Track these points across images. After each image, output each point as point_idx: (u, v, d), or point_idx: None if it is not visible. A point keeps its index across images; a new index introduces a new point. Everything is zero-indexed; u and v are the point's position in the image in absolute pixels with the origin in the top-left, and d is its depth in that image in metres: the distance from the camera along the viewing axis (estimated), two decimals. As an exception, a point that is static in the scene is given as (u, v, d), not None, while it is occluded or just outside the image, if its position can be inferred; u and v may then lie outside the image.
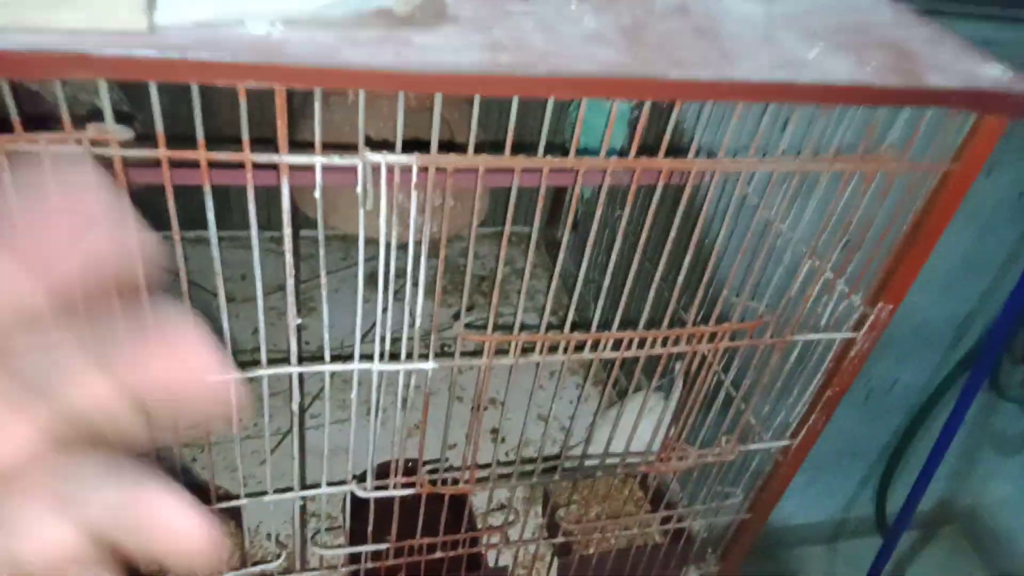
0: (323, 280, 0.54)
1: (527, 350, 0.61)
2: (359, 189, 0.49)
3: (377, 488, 0.66)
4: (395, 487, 0.66)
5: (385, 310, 0.56)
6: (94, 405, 0.18)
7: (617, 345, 0.63)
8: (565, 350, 0.61)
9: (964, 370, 1.71)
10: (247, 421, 0.93)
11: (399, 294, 0.58)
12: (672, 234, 0.59)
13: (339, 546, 0.82)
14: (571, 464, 0.80)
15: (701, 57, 0.50)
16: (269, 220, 0.70)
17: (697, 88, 0.48)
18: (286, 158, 0.47)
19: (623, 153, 0.65)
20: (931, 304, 1.58)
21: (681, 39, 0.52)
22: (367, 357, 0.58)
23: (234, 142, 0.46)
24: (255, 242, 0.50)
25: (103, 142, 0.46)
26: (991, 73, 0.55)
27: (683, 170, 0.53)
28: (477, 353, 0.61)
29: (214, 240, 0.49)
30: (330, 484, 0.66)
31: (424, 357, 0.59)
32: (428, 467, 0.68)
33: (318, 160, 0.48)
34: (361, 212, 0.50)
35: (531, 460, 0.77)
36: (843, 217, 0.64)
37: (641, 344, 0.63)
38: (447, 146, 0.49)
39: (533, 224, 0.56)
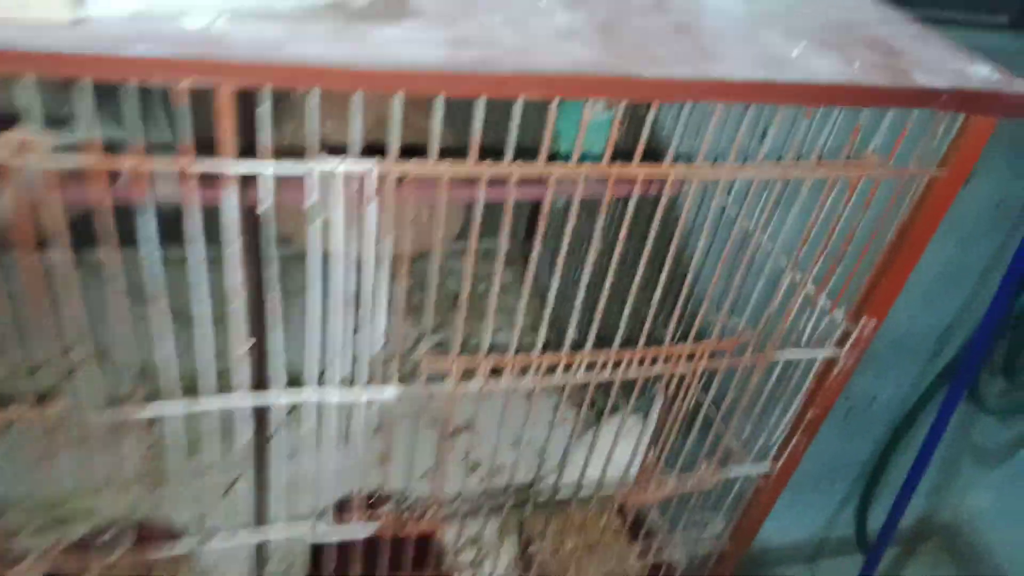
0: (272, 301, 0.49)
1: (496, 373, 0.57)
2: (310, 200, 0.45)
3: (337, 526, 0.61)
4: (356, 524, 0.61)
5: (356, 331, 0.52)
6: None
7: (591, 366, 0.59)
8: (536, 372, 0.57)
9: (944, 383, 1.69)
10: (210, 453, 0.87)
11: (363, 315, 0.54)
12: (648, 245, 0.55)
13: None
14: (545, 494, 0.75)
15: (679, 55, 0.47)
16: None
17: (675, 87, 0.45)
18: (232, 166, 0.42)
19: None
20: (910, 317, 1.56)
21: (658, 36, 0.49)
22: (323, 384, 0.54)
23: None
24: (198, 257, 0.46)
25: (25, 149, 0.41)
26: (980, 73, 0.53)
27: (659, 177, 0.50)
28: (443, 377, 0.56)
29: (154, 257, 0.45)
30: (288, 522, 0.61)
31: (385, 383, 0.55)
32: (393, 501, 0.63)
33: (266, 168, 0.43)
34: (314, 225, 0.46)
35: (503, 491, 0.72)
36: (825, 227, 0.61)
37: (616, 365, 0.60)
38: (417, 152, 0.45)
39: (508, 237, 0.52)
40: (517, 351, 0.57)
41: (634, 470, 0.74)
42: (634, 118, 0.80)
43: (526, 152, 0.48)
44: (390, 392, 0.55)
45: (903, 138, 0.54)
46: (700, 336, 0.64)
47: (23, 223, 0.41)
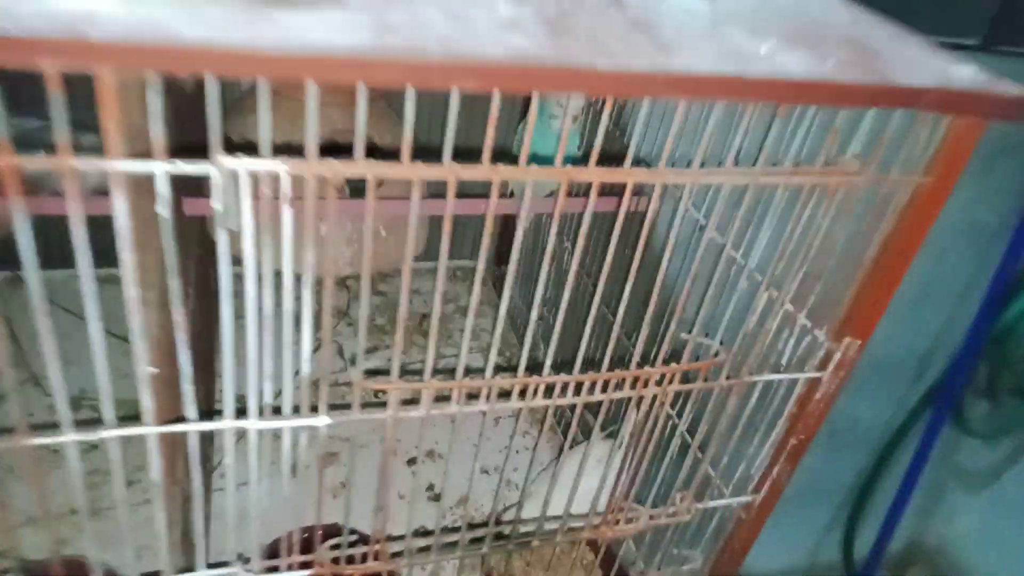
0: (177, 319, 0.44)
1: (444, 399, 0.52)
2: (215, 204, 0.39)
3: (267, 571, 0.55)
4: (289, 568, 0.55)
5: (279, 353, 0.46)
6: None
7: (550, 391, 0.53)
8: (488, 398, 0.52)
9: (927, 405, 1.66)
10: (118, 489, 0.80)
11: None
12: (610, 256, 0.50)
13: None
14: (508, 527, 0.69)
15: (635, 49, 0.42)
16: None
17: (631, 81, 0.40)
18: (116, 165, 0.37)
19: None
20: (889, 337, 1.52)
21: (613, 31, 0.44)
22: (243, 412, 0.48)
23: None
24: (85, 273, 0.40)
25: None
26: (963, 73, 0.48)
27: (617, 181, 0.45)
28: (382, 404, 0.51)
29: (86, 273, 0.39)
30: (211, 566, 0.55)
31: (315, 411, 0.49)
32: (332, 541, 0.57)
33: (159, 167, 0.38)
34: (220, 232, 0.40)
35: (463, 525, 0.66)
36: (803, 240, 0.56)
37: (578, 389, 0.54)
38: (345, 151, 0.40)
39: (479, 256, 0.47)
40: (467, 374, 0.52)
41: (603, 502, 0.69)
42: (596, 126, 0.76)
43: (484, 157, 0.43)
44: (321, 420, 0.49)
45: (884, 144, 0.50)
46: (671, 359, 0.59)
47: None
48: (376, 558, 0.58)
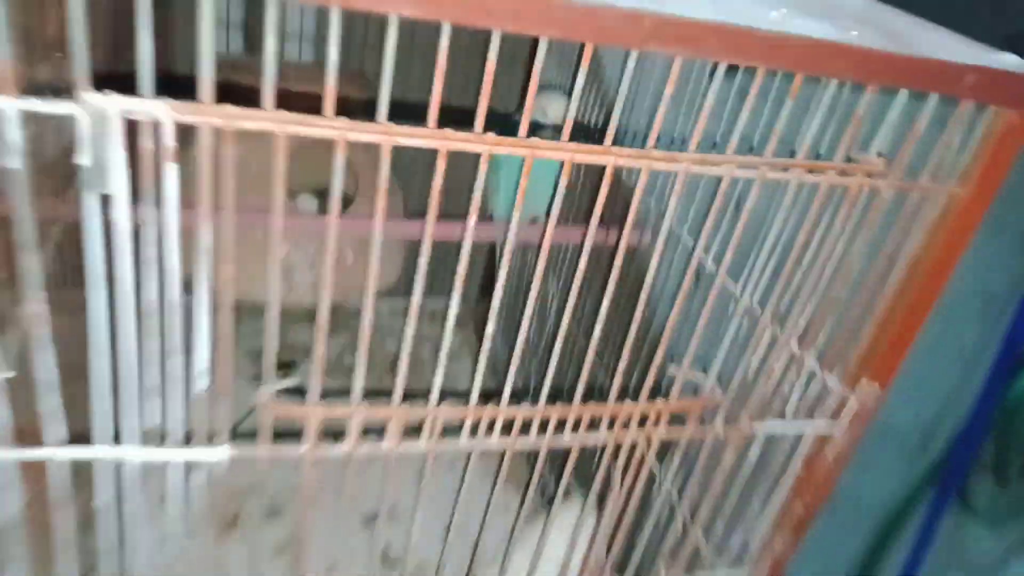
0: (35, 309, 0.34)
1: (370, 433, 0.42)
2: (80, 157, 0.31)
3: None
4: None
5: (165, 363, 0.37)
6: None
7: (508, 427, 0.44)
8: (431, 433, 0.42)
9: (931, 483, 1.55)
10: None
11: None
12: (581, 266, 0.41)
13: None
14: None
15: None
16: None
17: (612, 22, 0.32)
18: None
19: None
20: (893, 405, 1.43)
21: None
22: (119, 438, 0.38)
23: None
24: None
25: None
26: (1006, 61, 0.41)
27: (596, 163, 0.36)
28: (299, 435, 0.41)
29: None
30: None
31: (212, 441, 0.39)
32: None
33: (8, 105, 0.30)
34: (87, 196, 0.31)
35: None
36: (814, 261, 0.48)
37: (543, 427, 0.45)
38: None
39: (453, 287, 0.38)
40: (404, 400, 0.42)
41: (573, 573, 0.58)
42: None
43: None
44: (220, 452, 0.40)
45: (913, 141, 0.42)
46: (656, 394, 0.49)
47: None
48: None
